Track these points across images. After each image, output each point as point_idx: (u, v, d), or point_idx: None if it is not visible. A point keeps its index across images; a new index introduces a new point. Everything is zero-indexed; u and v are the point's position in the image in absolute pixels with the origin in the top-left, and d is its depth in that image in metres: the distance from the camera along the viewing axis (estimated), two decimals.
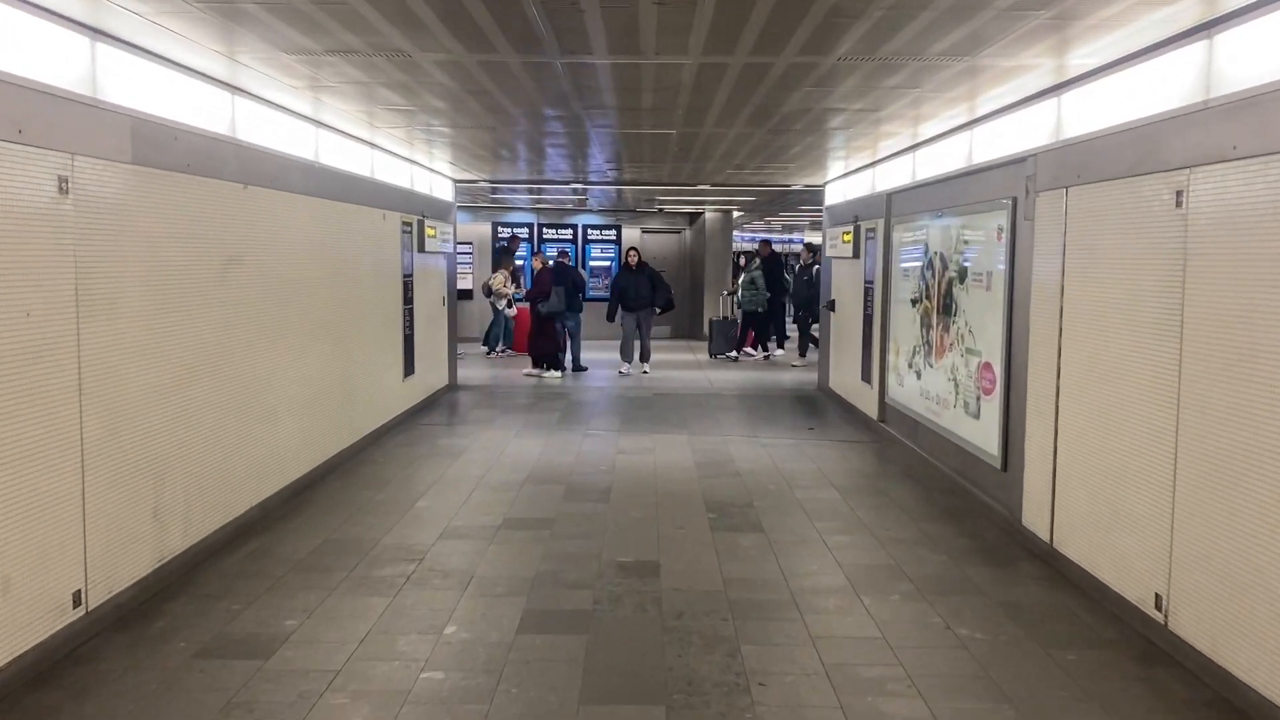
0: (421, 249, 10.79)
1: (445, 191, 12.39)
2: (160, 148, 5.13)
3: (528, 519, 6.59)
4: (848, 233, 11.02)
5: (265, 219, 6.54)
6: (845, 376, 11.48)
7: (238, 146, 6.11)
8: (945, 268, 7.86)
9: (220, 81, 5.90)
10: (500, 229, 19.97)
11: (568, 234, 20.34)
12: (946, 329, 7.81)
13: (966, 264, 7.37)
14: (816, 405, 11.81)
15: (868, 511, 6.86)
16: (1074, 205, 5.49)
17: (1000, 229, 6.68)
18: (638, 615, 4.88)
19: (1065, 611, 5.00)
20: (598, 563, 5.67)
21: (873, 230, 10.18)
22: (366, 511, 6.74)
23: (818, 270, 15.48)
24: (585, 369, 14.85)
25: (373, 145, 9.07)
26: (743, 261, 21.46)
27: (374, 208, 9.13)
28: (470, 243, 19.67)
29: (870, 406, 10.20)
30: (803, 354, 16.42)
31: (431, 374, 11.60)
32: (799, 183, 12.94)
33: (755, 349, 16.99)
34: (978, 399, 7.09)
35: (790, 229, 35.59)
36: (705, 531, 6.33)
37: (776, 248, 40.78)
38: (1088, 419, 5.27)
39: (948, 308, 7.77)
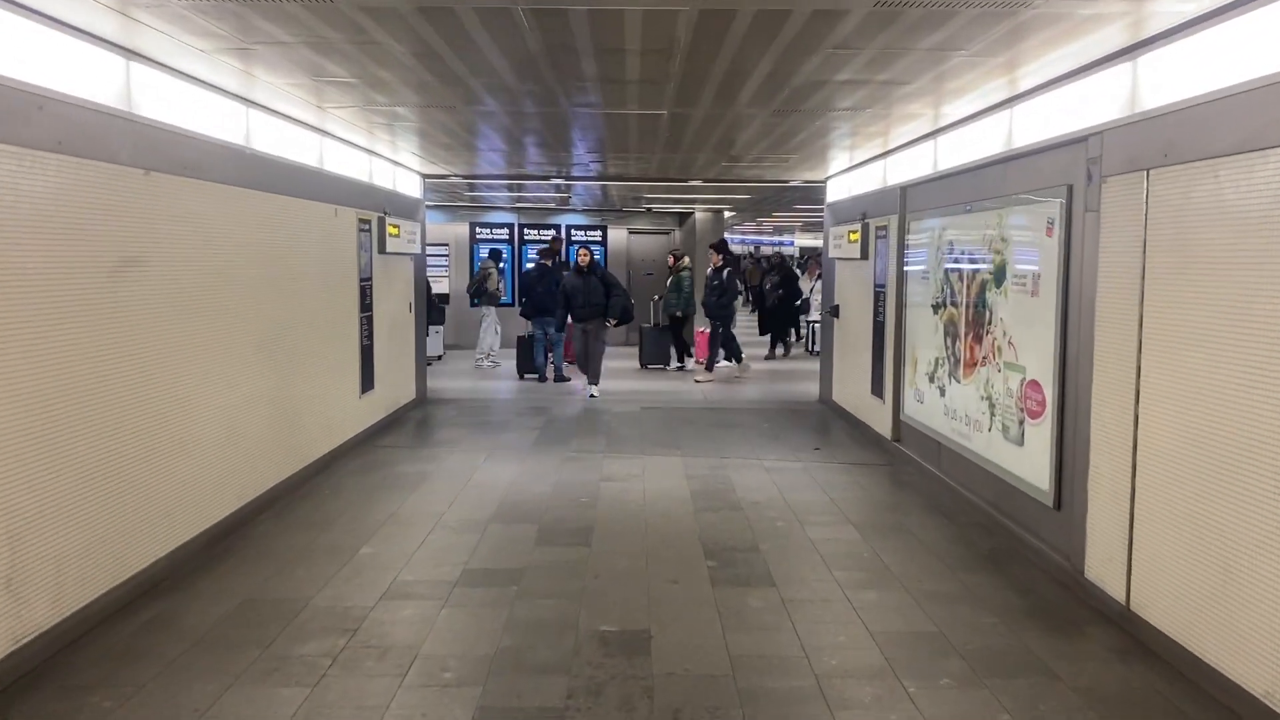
0: (383, 250, 9.70)
1: (412, 187, 11.31)
2: (13, 119, 4.05)
3: (491, 571, 5.52)
4: (854, 231, 9.99)
5: (177, 213, 5.45)
6: (852, 389, 10.44)
7: (134, 124, 5.02)
8: (976, 269, 6.83)
9: (111, 43, 4.82)
10: (479, 229, 18.88)
11: (550, 234, 19.23)
12: (978, 339, 6.78)
13: (1004, 265, 6.34)
14: (820, 421, 10.77)
15: (895, 556, 5.81)
16: (1158, 191, 4.46)
17: (1051, 223, 5.65)
18: (624, 716, 3.81)
19: (1162, 702, 3.96)
20: (574, 634, 4.60)
21: (884, 228, 9.15)
22: (300, 560, 5.66)
23: (729, 273, 14.35)
24: (568, 379, 13.78)
25: (321, 131, 7.98)
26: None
27: (323, 203, 8.05)
28: (446, 244, 18.58)
29: (882, 423, 9.17)
30: (709, 368, 14.41)
31: (396, 388, 10.51)
32: (798, 178, 11.91)
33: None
34: (1020, 423, 6.06)
35: (782, 230, 34.63)
36: (705, 586, 5.27)
37: (765, 250, 39.95)
38: (1185, 456, 4.23)
39: (980, 315, 6.74)
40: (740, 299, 16.81)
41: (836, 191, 11.43)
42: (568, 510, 6.81)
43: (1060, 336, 5.51)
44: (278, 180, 7.01)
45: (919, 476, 7.93)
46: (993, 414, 6.52)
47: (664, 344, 15.51)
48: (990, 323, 6.56)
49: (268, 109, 6.80)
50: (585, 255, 12.69)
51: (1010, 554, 5.89)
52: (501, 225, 19.03)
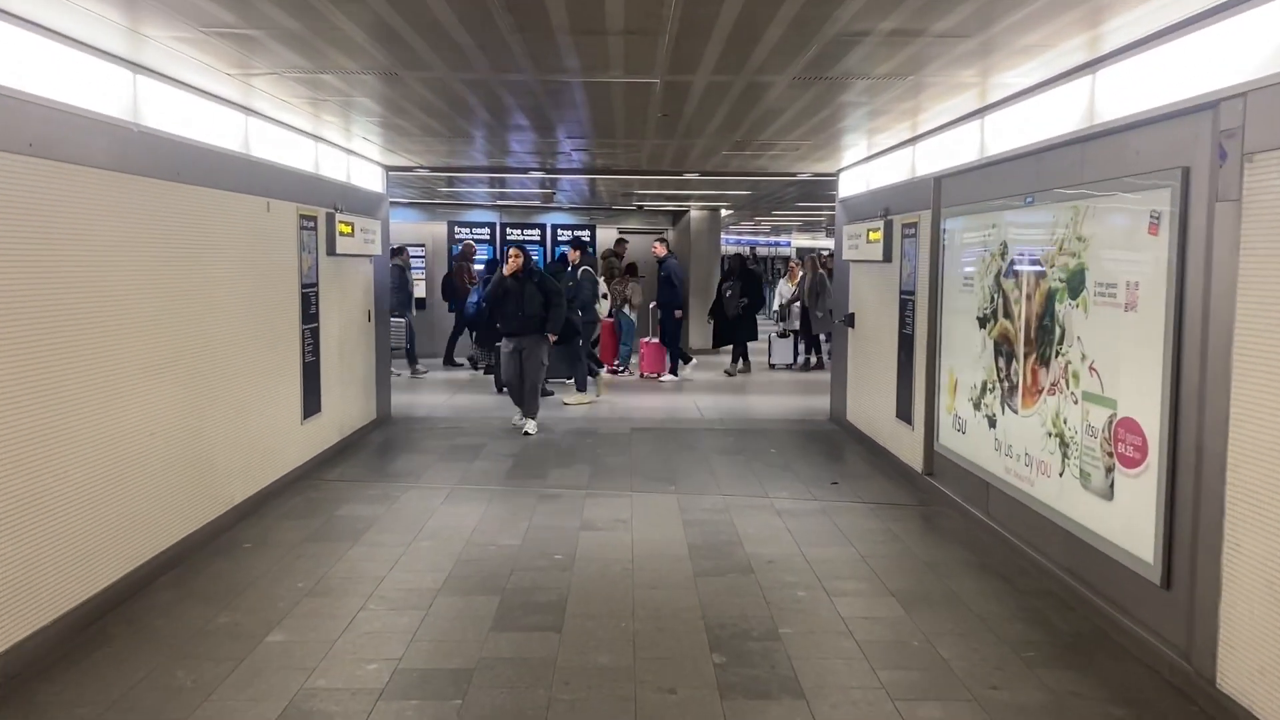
0: (332, 251, 8.40)
1: (372, 180, 10.00)
2: None
3: (430, 673, 4.22)
4: (875, 230, 8.71)
5: (23, 203, 4.15)
6: (871, 410, 9.17)
7: None
8: (1041, 274, 5.56)
9: None
10: (458, 229, 17.56)
11: (534, 234, 17.95)
12: (1043, 362, 5.51)
13: (1082, 270, 5.07)
14: (834, 445, 9.49)
15: (952, 644, 4.53)
16: None
17: (1156, 217, 4.37)
18: None
19: None
20: None
21: (912, 226, 7.88)
22: (186, 654, 4.36)
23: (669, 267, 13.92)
24: (550, 393, 12.48)
25: (247, 109, 6.69)
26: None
27: (250, 195, 6.75)
28: (424, 244, 17.25)
29: (910, 453, 7.90)
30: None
31: (350, 409, 9.20)
32: (807, 170, 10.63)
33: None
34: (1108, 471, 4.78)
35: (779, 230, 33.38)
36: (711, 697, 3.98)
37: (761, 251, 38.59)
38: None
39: (1046, 332, 5.47)
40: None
41: (851, 185, 10.15)
42: (537, 574, 5.52)
43: (1171, 364, 4.24)
44: (187, 167, 5.71)
45: (962, 522, 6.66)
46: (1065, 456, 5.24)
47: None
48: (1062, 342, 5.28)
49: (166, 77, 5.50)
50: (518, 256, 10.67)
51: (1099, 641, 4.62)
52: (482, 224, 17.72)
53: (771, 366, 15.66)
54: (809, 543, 6.15)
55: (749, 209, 19.61)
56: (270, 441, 7.16)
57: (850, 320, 9.91)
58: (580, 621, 4.79)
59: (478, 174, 11.64)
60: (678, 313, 14.23)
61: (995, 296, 6.23)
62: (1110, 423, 4.76)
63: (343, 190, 8.85)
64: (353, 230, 8.86)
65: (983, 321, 6.44)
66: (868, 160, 9.32)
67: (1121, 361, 4.69)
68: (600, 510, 6.90)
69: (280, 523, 6.54)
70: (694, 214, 18.28)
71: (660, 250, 14.32)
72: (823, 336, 15.53)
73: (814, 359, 15.66)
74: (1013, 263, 5.98)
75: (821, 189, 13.55)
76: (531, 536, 6.26)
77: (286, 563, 5.67)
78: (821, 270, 15.55)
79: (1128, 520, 4.61)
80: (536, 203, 17.19)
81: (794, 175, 10.99)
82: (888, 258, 8.48)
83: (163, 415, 5.44)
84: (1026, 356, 5.74)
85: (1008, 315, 6.05)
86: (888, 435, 8.55)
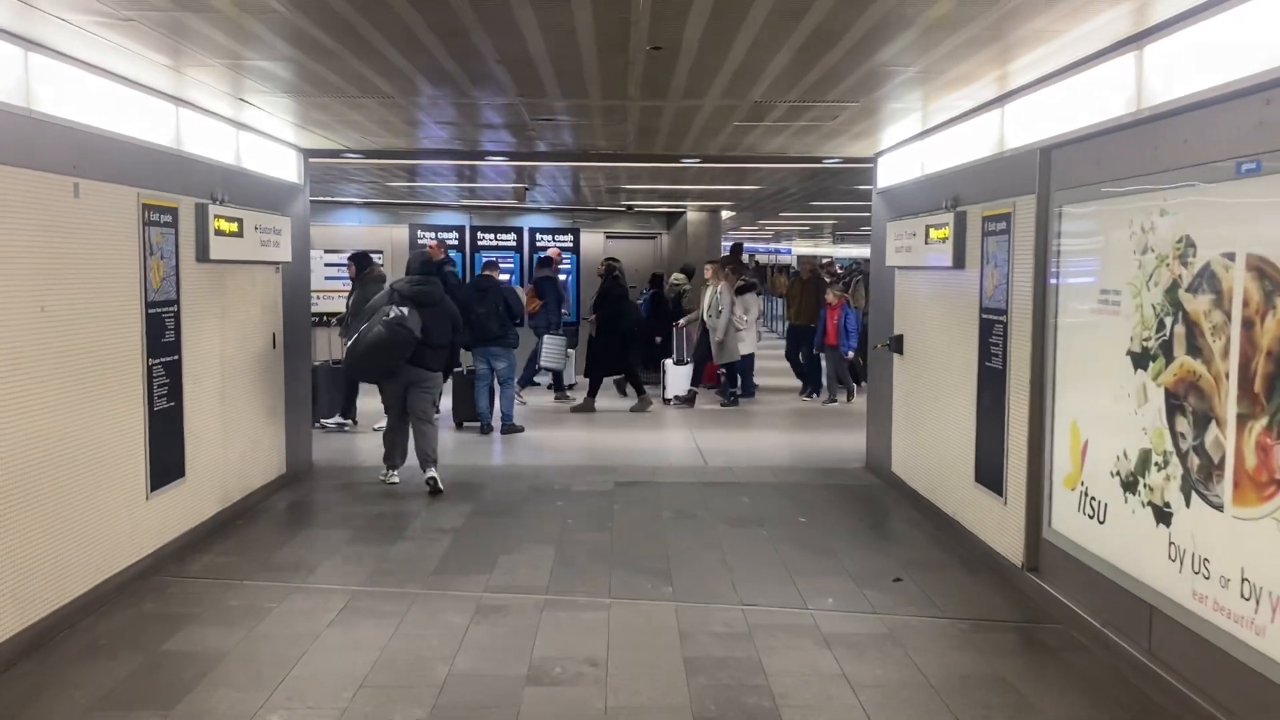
0: (205, 255, 6.16)
1: (280, 165, 7.76)
2: None
3: None
4: (940, 226, 6.49)
5: None
6: (931, 466, 6.94)
7: None
8: (1274, 291, 3.35)
9: None
10: (421, 232, 15.32)
11: (510, 240, 15.72)
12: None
13: None
14: (879, 509, 7.26)
15: None
16: None
17: None
18: None
19: None
20: None
21: (1001, 219, 5.66)
22: None
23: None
24: (520, 429, 10.24)
25: (26, 41, 4.46)
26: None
27: (40, 171, 4.53)
28: (381, 250, 14.97)
29: (999, 534, 5.67)
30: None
31: (239, 467, 6.93)
32: (835, 154, 8.41)
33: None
34: None
35: (780, 237, 31.18)
36: None
37: (762, 259, 36.31)
38: None
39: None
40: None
41: (894, 172, 7.94)
42: None
43: None
44: None
45: (1104, 659, 4.43)
46: None
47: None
48: None
49: None
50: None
51: None
52: (450, 228, 15.48)
53: (666, 401, 12.27)
54: (881, 701, 3.91)
55: (754, 210, 17.39)
56: (85, 528, 4.91)
57: (896, 345, 7.68)
58: None
59: (422, 160, 9.40)
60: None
61: (1168, 321, 4.01)
62: None
63: (227, 175, 6.61)
64: (241, 229, 6.62)
65: (1141, 359, 4.22)
66: (922, 136, 7.11)
67: None
68: (561, 637, 4.65)
69: (72, 667, 4.29)
70: (691, 216, 16.06)
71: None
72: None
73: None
74: (1207, 269, 3.76)
75: (846, 181, 11.37)
76: (452, 687, 4.02)
77: None
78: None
79: None
80: (511, 203, 14.96)
81: (819, 160, 8.76)
82: (959, 263, 6.26)
83: None
84: (1245, 422, 3.52)
85: (1195, 352, 3.83)
86: (961, 504, 6.31)
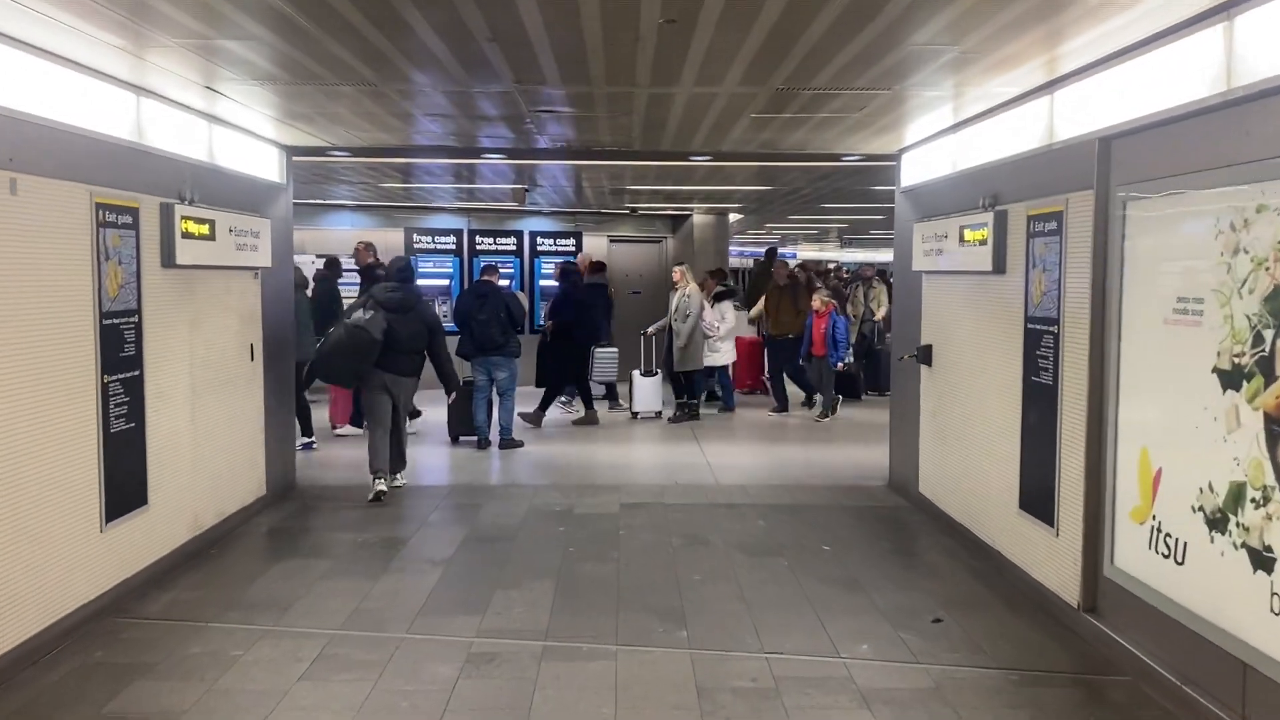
0: (170, 261, 5.60)
1: (261, 163, 7.21)
2: None
3: None
4: (977, 228, 5.92)
5: None
6: (966, 487, 6.37)
7: None
8: None
9: None
10: (417, 236, 14.77)
11: (509, 243, 15.16)
12: None
13: None
14: (908, 534, 6.70)
15: None
16: None
17: None
18: None
19: None
20: None
21: (1051, 218, 5.10)
22: None
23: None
24: (520, 444, 9.67)
25: None
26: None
27: None
28: None
29: (1049, 568, 5.10)
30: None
31: (214, 490, 6.37)
32: (855, 151, 7.86)
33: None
34: None
35: (785, 240, 30.60)
36: None
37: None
38: None
39: None
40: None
41: (920, 169, 7.38)
42: None
43: None
44: None
45: (1186, 719, 3.87)
46: None
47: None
48: None
49: None
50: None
51: None
52: (447, 231, 14.93)
53: (633, 415, 11.33)
54: None
55: (762, 213, 16.83)
56: (29, 566, 4.35)
57: (924, 356, 7.11)
58: None
59: (414, 159, 8.85)
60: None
61: (1268, 335, 3.44)
62: None
63: (197, 173, 6.06)
64: (213, 231, 6.07)
65: (1232, 377, 3.64)
66: (954, 130, 6.55)
67: None
68: (562, 695, 4.08)
69: None
70: (697, 219, 15.50)
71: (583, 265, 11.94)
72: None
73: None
74: None
75: (862, 181, 10.84)
76: None
77: None
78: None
79: None
80: (511, 205, 14.40)
81: (837, 159, 8.21)
82: (999, 267, 5.68)
83: None
84: None
85: None
86: (1002, 532, 5.73)
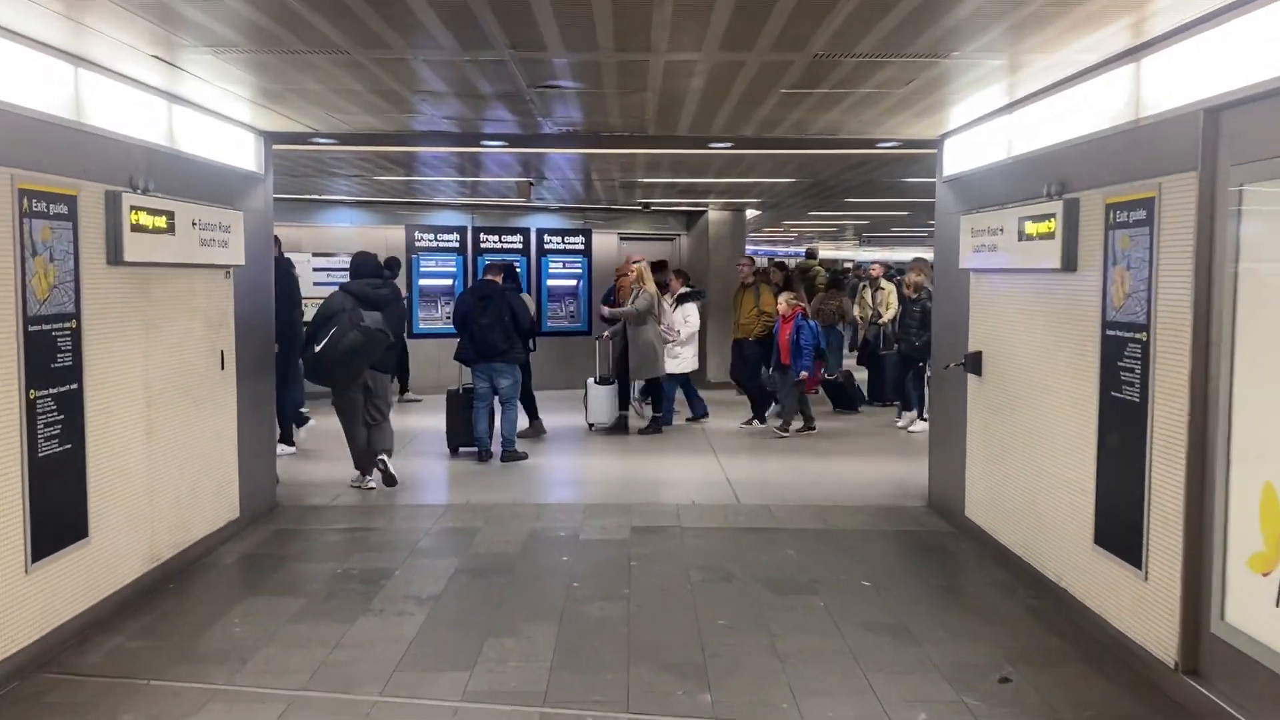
0: (118, 258, 4.89)
1: (232, 150, 6.50)
2: None
3: None
4: (1042, 220, 5.15)
5: None
6: (1024, 513, 5.60)
7: None
8: None
9: None
10: (419, 234, 14.07)
11: (516, 241, 14.44)
12: None
13: None
14: (956, 567, 5.95)
15: None
16: None
17: None
18: None
19: None
20: None
21: (1137, 206, 4.33)
22: None
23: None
24: (523, 457, 8.95)
25: None
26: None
27: None
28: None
29: (1138, 618, 4.34)
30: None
31: (174, 516, 5.66)
32: (893, 136, 7.10)
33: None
34: None
35: (803, 238, 29.81)
36: None
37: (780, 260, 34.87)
38: None
39: None
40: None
41: (969, 154, 6.62)
42: None
43: None
44: None
45: None
46: None
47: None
48: None
49: None
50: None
51: None
52: (450, 229, 14.22)
53: (590, 427, 10.33)
54: None
55: (780, 209, 16.06)
56: None
57: (973, 364, 6.35)
58: None
59: (406, 147, 8.13)
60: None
61: None
62: None
63: (154, 158, 5.35)
64: (171, 224, 5.36)
65: None
66: (1009, 109, 5.79)
67: None
68: None
69: None
70: (713, 215, 14.76)
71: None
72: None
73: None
74: None
75: (893, 171, 10.07)
76: None
77: None
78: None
79: None
80: (517, 201, 13.68)
81: (872, 145, 7.46)
82: (1069, 264, 4.92)
83: None
84: None
85: None
86: (1072, 569, 4.97)
